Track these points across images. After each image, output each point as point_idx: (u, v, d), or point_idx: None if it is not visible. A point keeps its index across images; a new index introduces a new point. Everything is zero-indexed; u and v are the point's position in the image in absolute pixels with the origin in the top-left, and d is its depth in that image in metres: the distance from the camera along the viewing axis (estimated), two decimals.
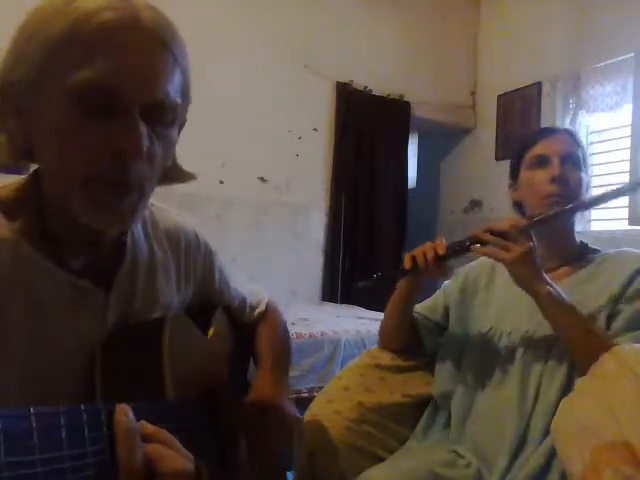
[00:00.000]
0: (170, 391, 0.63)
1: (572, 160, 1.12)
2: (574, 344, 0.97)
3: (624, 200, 3.04)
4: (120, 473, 0.47)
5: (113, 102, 0.57)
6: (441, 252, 1.07)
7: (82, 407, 0.46)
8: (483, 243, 1.03)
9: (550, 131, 1.21)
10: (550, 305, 0.98)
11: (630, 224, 3.05)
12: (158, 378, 0.63)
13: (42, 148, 0.61)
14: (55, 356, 0.64)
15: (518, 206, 1.23)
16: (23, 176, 0.67)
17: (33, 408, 0.43)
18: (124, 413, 0.49)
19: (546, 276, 1.00)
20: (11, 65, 0.59)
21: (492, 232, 1.02)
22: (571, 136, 1.17)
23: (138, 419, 0.50)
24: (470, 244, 1.05)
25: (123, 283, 0.72)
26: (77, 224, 0.65)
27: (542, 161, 1.13)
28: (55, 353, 0.64)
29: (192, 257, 0.85)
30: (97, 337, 0.67)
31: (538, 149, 1.15)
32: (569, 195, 1.09)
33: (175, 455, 0.50)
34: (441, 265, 1.09)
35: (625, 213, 3.07)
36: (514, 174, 1.23)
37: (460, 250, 1.08)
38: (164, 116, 0.62)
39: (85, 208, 0.60)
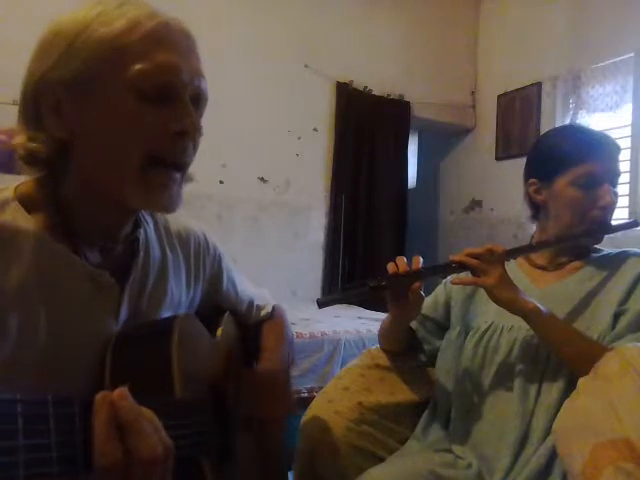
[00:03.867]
0: (178, 389, 0.64)
1: (617, 181, 1.10)
2: (569, 351, 0.98)
3: (624, 200, 3.04)
4: (97, 465, 0.45)
5: (168, 90, 0.64)
6: (416, 265, 1.04)
7: (49, 397, 0.43)
8: (461, 265, 1.04)
9: (603, 147, 1.10)
10: (539, 318, 0.99)
11: None
12: (167, 376, 0.64)
13: (92, 139, 0.65)
14: (70, 349, 0.65)
15: (535, 207, 1.17)
16: (33, 175, 0.69)
17: None
18: (103, 402, 0.47)
19: (524, 295, 1.01)
20: (51, 65, 0.63)
21: (470, 255, 1.03)
22: (619, 151, 1.12)
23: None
24: (448, 265, 1.05)
25: (136, 279, 0.74)
26: (98, 218, 0.69)
27: (592, 182, 1.06)
28: (71, 346, 0.65)
29: (201, 259, 0.88)
30: (110, 333, 0.69)
31: (590, 167, 1.06)
32: (610, 220, 1.09)
33: (149, 441, 0.48)
34: (413, 280, 1.02)
35: (625, 213, 3.07)
36: (546, 176, 1.12)
37: (438, 270, 1.08)
38: (201, 106, 0.70)
39: (139, 191, 0.65)
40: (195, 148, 0.69)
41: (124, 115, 0.63)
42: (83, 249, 0.68)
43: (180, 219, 0.86)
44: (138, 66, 0.62)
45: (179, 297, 0.82)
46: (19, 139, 0.65)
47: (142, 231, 0.76)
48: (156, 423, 0.50)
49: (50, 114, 0.64)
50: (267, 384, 0.88)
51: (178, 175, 0.68)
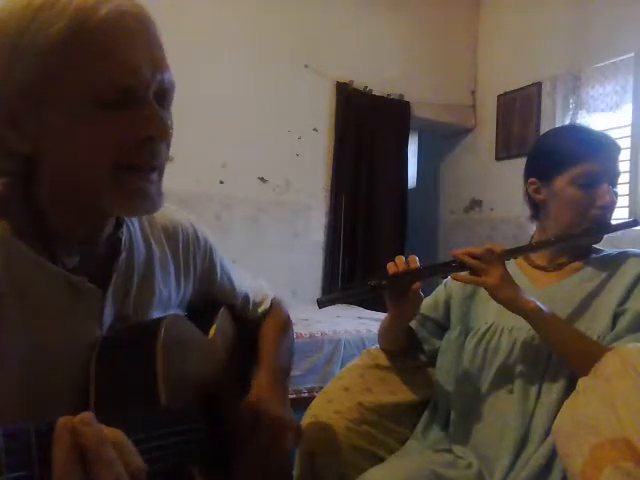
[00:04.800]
0: (163, 395, 0.62)
1: (616, 181, 1.10)
2: (570, 351, 0.98)
3: (624, 200, 3.04)
4: None
5: (129, 92, 0.59)
6: (414, 264, 1.04)
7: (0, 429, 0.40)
8: (461, 265, 1.04)
9: (603, 147, 1.09)
10: (540, 318, 0.99)
11: None
12: (151, 382, 0.62)
13: (57, 148, 0.60)
14: (53, 357, 0.63)
15: (535, 206, 1.17)
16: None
17: None
18: (65, 428, 0.43)
19: (525, 295, 1.01)
20: None
21: (470, 255, 1.03)
22: (619, 151, 1.12)
23: (131, 428, 0.48)
24: (448, 264, 1.05)
25: (119, 281, 0.71)
26: (76, 221, 0.66)
27: (592, 181, 1.06)
28: (53, 354, 0.63)
29: (191, 253, 0.84)
30: (94, 338, 0.66)
31: (589, 166, 1.06)
32: (609, 220, 1.09)
33: (114, 469, 0.45)
34: (414, 279, 1.03)
35: (625, 213, 3.07)
36: (546, 176, 1.12)
37: (438, 269, 1.08)
38: (168, 98, 0.64)
39: (117, 198, 0.62)
40: (168, 147, 0.65)
41: (84, 126, 0.58)
42: (60, 254, 0.65)
43: (167, 212, 0.81)
44: (92, 71, 0.56)
45: (168, 295, 0.79)
46: None
47: (125, 230, 0.72)
48: (124, 447, 0.46)
49: (8, 130, 0.59)
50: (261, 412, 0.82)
51: (155, 175, 0.64)
